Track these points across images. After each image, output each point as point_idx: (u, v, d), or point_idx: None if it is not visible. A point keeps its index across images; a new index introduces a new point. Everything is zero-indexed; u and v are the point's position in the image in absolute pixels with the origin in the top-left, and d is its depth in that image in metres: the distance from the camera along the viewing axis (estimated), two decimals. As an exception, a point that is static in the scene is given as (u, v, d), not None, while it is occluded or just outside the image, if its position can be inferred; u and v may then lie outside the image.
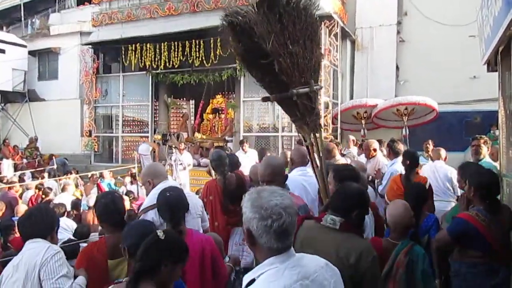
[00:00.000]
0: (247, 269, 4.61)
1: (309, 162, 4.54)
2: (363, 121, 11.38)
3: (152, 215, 3.13)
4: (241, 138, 11.09)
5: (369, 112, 11.37)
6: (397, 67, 12.89)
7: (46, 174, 11.39)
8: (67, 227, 5.72)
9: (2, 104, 18.72)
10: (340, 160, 5.56)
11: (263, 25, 2.74)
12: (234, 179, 4.73)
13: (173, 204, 2.75)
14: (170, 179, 3.69)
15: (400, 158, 5.26)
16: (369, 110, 11.35)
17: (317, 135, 3.05)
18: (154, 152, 12.03)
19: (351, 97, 13.07)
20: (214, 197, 4.62)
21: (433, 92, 11.01)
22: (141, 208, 3.54)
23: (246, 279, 1.67)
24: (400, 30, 12.96)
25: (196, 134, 13.83)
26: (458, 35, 11.35)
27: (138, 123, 14.39)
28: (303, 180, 3.73)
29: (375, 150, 6.34)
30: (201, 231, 3.49)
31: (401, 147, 5.85)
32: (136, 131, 14.40)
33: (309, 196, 3.60)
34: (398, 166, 5.33)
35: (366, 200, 2.42)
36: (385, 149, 6.76)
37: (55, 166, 12.62)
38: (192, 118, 15.35)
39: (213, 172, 5.19)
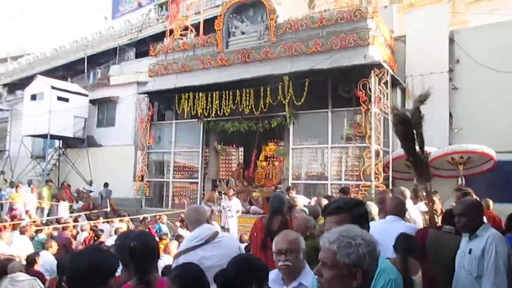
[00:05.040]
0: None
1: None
2: (415, 170, 11.02)
3: (182, 260, 3.28)
4: (289, 186, 11.01)
5: (421, 161, 11.02)
6: (451, 115, 12.56)
7: (101, 219, 11.77)
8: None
9: (63, 149, 19.83)
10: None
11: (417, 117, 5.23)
12: (279, 221, 4.86)
13: (137, 254, 2.61)
14: (205, 225, 3.61)
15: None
16: (421, 158, 11.00)
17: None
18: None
19: (403, 146, 12.73)
20: (257, 234, 4.91)
21: (489, 140, 10.54)
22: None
23: None
24: (452, 78, 12.72)
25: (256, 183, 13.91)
26: (513, 82, 11.00)
27: (188, 169, 14.67)
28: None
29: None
30: None
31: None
32: (186, 176, 14.69)
33: None
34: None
35: None
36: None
37: (108, 209, 13.06)
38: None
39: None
